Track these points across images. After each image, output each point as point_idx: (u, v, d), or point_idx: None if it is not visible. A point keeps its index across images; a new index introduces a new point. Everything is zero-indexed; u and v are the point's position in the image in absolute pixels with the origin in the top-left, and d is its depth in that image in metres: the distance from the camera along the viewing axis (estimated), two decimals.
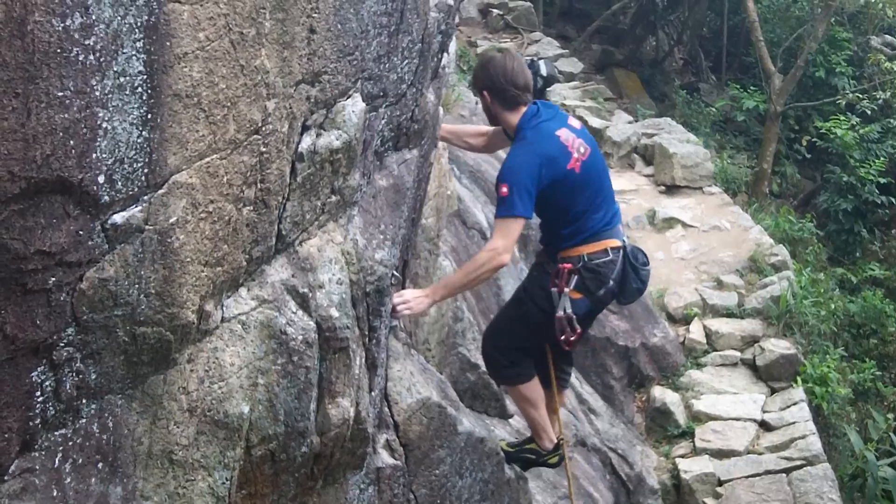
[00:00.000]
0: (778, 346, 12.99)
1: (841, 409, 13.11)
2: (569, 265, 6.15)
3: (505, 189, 5.93)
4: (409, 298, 5.91)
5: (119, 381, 3.78)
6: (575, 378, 11.19)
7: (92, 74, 3.18)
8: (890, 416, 14.36)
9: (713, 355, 13.27)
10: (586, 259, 6.15)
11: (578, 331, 6.20)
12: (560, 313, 6.15)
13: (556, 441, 6.85)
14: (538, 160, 5.99)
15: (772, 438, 11.71)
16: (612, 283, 6.21)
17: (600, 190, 6.33)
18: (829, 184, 19.52)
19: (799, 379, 12.66)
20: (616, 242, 6.24)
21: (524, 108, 6.24)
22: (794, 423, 11.88)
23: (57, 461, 3.55)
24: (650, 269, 6.51)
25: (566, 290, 6.12)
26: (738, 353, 13.27)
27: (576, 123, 6.40)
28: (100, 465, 3.74)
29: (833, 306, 14.60)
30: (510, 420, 8.51)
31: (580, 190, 6.16)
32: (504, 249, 5.94)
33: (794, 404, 12.24)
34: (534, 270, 6.68)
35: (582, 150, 6.17)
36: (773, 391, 12.67)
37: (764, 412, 12.16)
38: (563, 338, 6.20)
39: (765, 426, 11.98)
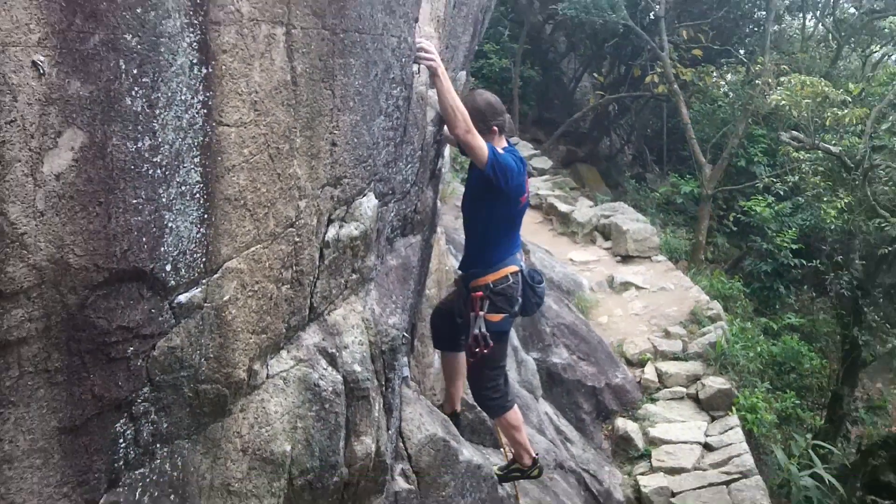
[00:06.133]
0: (716, 383, 12.93)
1: (768, 432, 13.01)
2: (479, 293, 6.10)
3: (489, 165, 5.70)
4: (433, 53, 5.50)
5: (186, 428, 3.77)
6: (553, 413, 11.15)
7: (159, 185, 3.21)
8: (808, 436, 14.34)
9: (664, 391, 13.19)
10: (492, 286, 6.09)
11: (491, 345, 6.09)
12: (475, 332, 6.09)
13: (533, 457, 6.80)
14: (518, 166, 5.87)
15: (713, 457, 11.61)
16: (520, 299, 6.19)
17: (517, 230, 6.32)
18: (752, 251, 19.48)
19: (734, 408, 12.59)
20: (515, 268, 6.17)
21: (506, 137, 6.13)
22: (731, 444, 11.80)
23: (137, 495, 3.54)
24: (545, 285, 6.46)
25: (481, 313, 6.07)
26: (684, 389, 13.19)
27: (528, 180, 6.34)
28: (172, 496, 3.72)
29: (759, 349, 14.53)
30: (502, 449, 8.45)
31: (512, 219, 6.15)
32: (472, 140, 5.54)
33: (731, 429, 12.16)
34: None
35: (527, 195, 6.19)
36: (713, 419, 12.58)
37: (706, 436, 12.07)
38: (476, 351, 6.13)
39: (707, 447, 11.88)
